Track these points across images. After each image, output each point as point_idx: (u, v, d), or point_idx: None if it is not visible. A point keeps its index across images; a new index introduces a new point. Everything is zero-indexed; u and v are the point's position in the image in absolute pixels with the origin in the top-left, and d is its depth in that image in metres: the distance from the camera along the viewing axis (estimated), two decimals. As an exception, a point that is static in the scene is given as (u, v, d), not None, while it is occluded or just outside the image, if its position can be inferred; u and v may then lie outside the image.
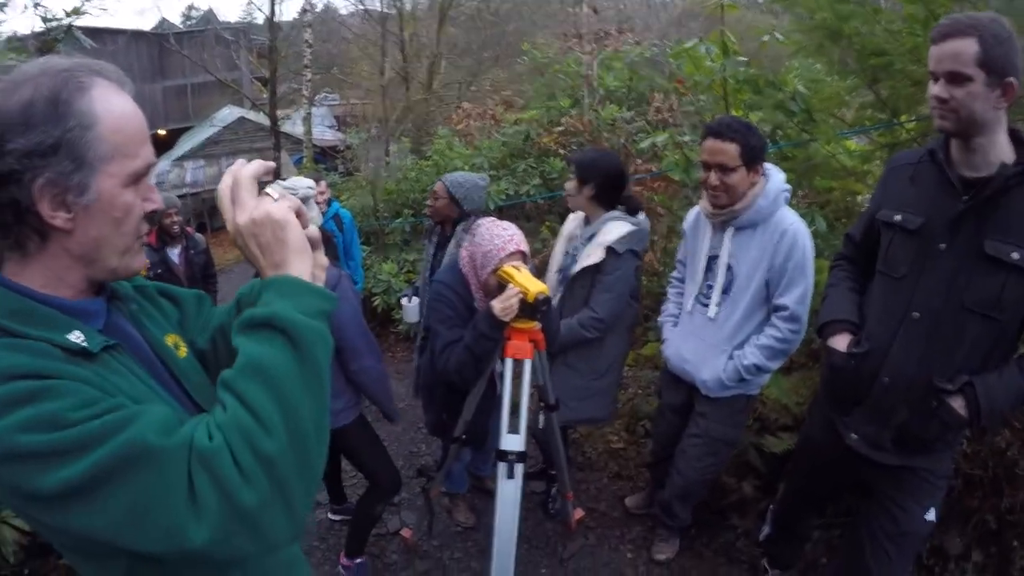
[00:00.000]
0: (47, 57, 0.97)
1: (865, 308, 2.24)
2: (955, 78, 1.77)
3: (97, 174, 0.95)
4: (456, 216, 3.64)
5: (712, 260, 2.78)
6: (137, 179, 1.01)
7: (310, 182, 2.80)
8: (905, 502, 2.22)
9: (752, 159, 2.55)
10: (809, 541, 3.02)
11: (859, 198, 3.95)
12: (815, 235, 3.19)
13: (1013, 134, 1.88)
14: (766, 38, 3.59)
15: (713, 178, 2.60)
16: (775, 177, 2.65)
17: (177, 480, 0.84)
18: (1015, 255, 1.83)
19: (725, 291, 2.74)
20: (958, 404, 1.95)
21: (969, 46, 1.74)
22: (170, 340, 1.18)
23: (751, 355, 2.66)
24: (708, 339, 2.79)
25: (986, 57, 1.73)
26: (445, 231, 3.76)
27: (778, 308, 2.63)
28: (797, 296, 2.58)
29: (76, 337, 0.95)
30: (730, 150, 2.53)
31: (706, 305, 2.80)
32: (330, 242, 2.98)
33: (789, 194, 2.68)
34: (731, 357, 2.72)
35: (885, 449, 2.16)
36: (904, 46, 3.04)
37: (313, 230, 1.08)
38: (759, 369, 2.67)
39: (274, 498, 0.87)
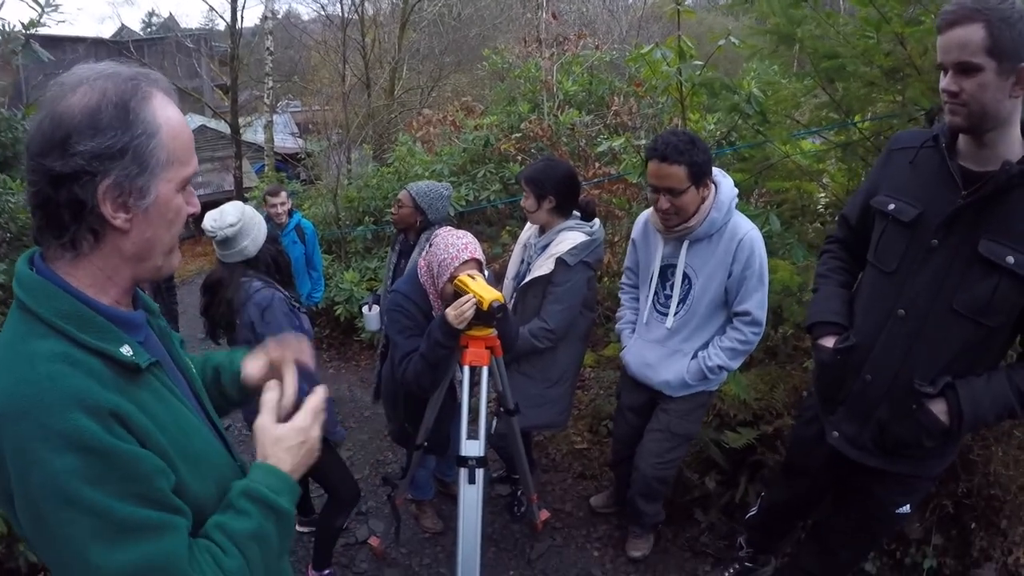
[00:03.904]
0: (107, 63, 1.02)
1: (855, 300, 2.18)
2: (963, 69, 1.63)
3: (156, 179, 1.02)
4: (420, 225, 3.65)
5: (667, 269, 2.78)
6: (186, 184, 1.08)
7: (232, 218, 2.73)
8: (879, 494, 2.21)
9: (700, 176, 2.51)
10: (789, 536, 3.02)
11: (815, 197, 4.05)
12: (769, 235, 3.23)
13: None
14: (722, 42, 3.63)
15: (663, 202, 2.56)
16: (724, 185, 2.64)
17: None
18: (1010, 259, 1.73)
19: (682, 300, 2.76)
20: (939, 409, 1.87)
21: (975, 33, 1.59)
22: (187, 359, 1.30)
23: (715, 356, 2.72)
24: (669, 346, 2.83)
25: (995, 43, 1.58)
26: (408, 239, 3.76)
27: (739, 313, 2.68)
28: (757, 301, 2.64)
29: (127, 351, 1.02)
30: (678, 173, 2.48)
31: (664, 314, 2.82)
32: (280, 260, 2.94)
33: (737, 198, 2.68)
34: (694, 357, 2.77)
35: (866, 449, 2.10)
36: (856, 49, 3.08)
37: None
38: (722, 369, 2.74)
39: None
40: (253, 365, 1.38)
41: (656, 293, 2.85)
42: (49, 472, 0.89)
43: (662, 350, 2.84)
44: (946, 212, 1.81)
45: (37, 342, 0.96)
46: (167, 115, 1.02)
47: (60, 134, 0.94)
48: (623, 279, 3.17)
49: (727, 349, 2.71)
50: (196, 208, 1.12)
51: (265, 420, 1.22)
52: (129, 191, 0.99)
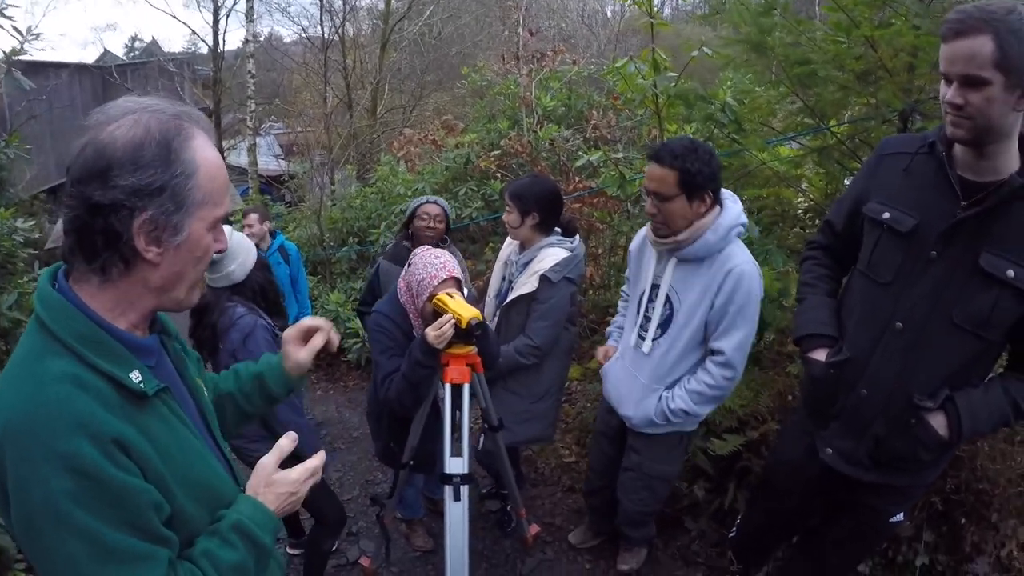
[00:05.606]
0: (152, 98, 1.07)
1: (843, 311, 2.09)
2: (970, 82, 1.56)
3: (190, 217, 1.06)
4: (442, 240, 3.54)
5: (654, 289, 2.60)
6: (217, 224, 1.12)
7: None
8: (874, 506, 2.18)
9: (694, 188, 2.31)
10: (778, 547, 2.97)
11: (794, 202, 4.09)
12: (749, 241, 3.25)
13: (1022, 141, 1.69)
14: (695, 53, 3.66)
15: (649, 205, 2.41)
16: (731, 210, 2.43)
17: None
18: (1011, 272, 1.68)
19: (662, 326, 2.57)
20: (938, 422, 1.84)
21: (984, 45, 1.51)
22: (199, 381, 1.34)
23: (679, 399, 2.53)
24: (641, 375, 2.65)
25: (1004, 57, 1.50)
26: None
27: (714, 352, 2.47)
28: (735, 342, 2.42)
29: (136, 377, 1.05)
30: (667, 177, 2.31)
31: (643, 339, 2.64)
32: (269, 288, 2.92)
33: (744, 228, 2.46)
34: (660, 398, 2.59)
35: (860, 464, 2.04)
36: (827, 54, 3.12)
37: None
38: (686, 414, 2.54)
39: None
40: (296, 349, 1.47)
41: (642, 312, 2.67)
42: (46, 491, 0.92)
43: (633, 380, 2.67)
44: (946, 223, 1.75)
45: (51, 360, 0.99)
46: (206, 156, 1.07)
47: (101, 164, 0.97)
48: (624, 286, 3.04)
49: (693, 392, 2.50)
50: (224, 246, 1.16)
51: (269, 461, 1.27)
52: (163, 227, 1.02)
